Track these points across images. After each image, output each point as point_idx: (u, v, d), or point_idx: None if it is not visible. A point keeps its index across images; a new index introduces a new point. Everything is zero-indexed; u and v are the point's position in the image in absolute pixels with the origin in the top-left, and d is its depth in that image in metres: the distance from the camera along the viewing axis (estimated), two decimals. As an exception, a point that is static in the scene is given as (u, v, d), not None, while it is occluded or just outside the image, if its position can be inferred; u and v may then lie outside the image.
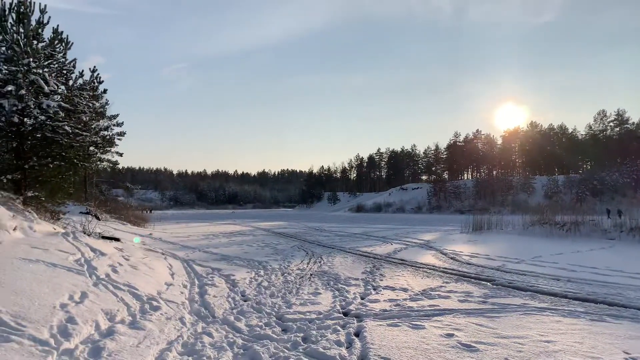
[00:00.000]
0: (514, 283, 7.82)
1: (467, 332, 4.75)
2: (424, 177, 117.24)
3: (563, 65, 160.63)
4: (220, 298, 6.55)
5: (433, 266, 10.13)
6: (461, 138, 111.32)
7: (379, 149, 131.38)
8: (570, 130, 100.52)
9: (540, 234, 18.30)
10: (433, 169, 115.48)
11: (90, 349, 3.80)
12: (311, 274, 8.90)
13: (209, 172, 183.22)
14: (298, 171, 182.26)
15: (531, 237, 17.50)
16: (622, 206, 25.54)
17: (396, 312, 5.67)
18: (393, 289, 7.32)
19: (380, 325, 5.05)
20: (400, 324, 5.10)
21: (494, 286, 7.64)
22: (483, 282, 8.02)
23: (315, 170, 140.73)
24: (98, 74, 15.22)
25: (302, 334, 4.74)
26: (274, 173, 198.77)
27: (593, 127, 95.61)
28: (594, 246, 14.17)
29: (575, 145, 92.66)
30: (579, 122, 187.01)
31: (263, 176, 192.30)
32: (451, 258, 11.63)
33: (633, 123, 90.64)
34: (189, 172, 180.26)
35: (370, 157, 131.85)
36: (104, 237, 10.67)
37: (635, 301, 6.30)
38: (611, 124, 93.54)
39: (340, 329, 4.92)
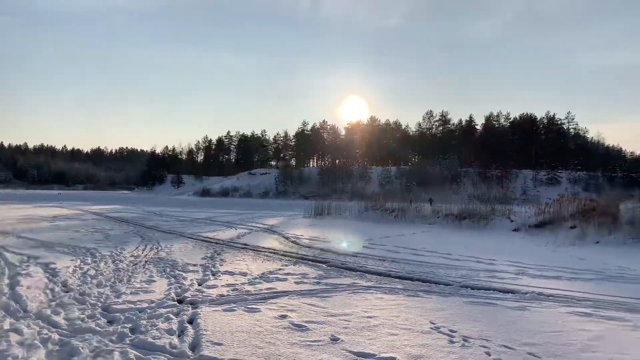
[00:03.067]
0: (346, 264, 8.38)
1: (300, 312, 4.95)
2: (272, 163, 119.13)
3: (401, 67, 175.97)
4: (35, 290, 5.82)
5: (274, 250, 10.35)
6: (309, 127, 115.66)
7: (229, 132, 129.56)
8: (403, 127, 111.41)
9: (372, 218, 19.93)
10: (282, 155, 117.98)
11: None
12: (146, 261, 8.40)
13: (30, 145, 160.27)
14: (139, 150, 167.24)
15: (365, 222, 18.96)
16: (437, 196, 28.97)
17: (233, 297, 5.66)
18: (232, 273, 7.29)
19: (216, 311, 4.99)
20: (236, 308, 5.09)
21: (328, 267, 8.10)
22: (319, 264, 8.44)
23: (158, 150, 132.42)
24: None
25: (130, 325, 4.44)
26: (111, 151, 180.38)
27: (422, 125, 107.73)
28: (416, 230, 15.90)
29: (407, 140, 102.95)
30: (411, 119, 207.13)
31: (97, 154, 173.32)
32: (292, 242, 12.02)
33: (453, 124, 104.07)
34: (5, 144, 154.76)
35: (220, 140, 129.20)
36: None
37: (444, 278, 7.22)
38: (436, 123, 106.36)
39: (173, 317, 4.73)
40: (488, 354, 3.74)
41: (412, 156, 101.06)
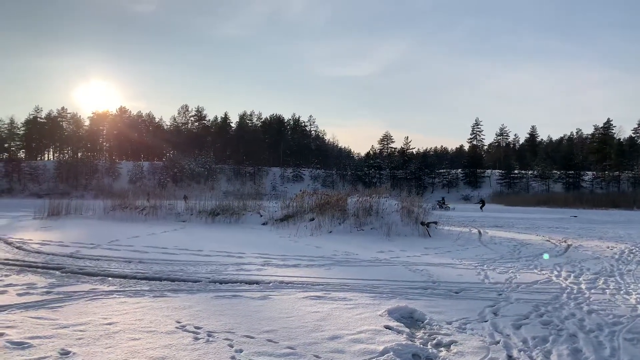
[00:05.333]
0: (85, 269, 7.56)
1: (21, 328, 4.21)
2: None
3: (154, 57, 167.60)
4: None
5: (-9, 258, 8.64)
6: (43, 114, 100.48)
7: None
8: (157, 120, 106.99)
9: (120, 218, 18.58)
10: (6, 145, 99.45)
11: None
12: None
13: None
14: None
15: (111, 222, 17.52)
16: (193, 192, 28.94)
17: None
18: None
19: None
20: None
21: (63, 274, 7.16)
22: (51, 271, 7.40)
23: None
24: None
25: None
26: None
27: (177, 120, 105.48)
28: (168, 228, 15.44)
29: (161, 134, 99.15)
30: (165, 113, 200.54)
31: None
32: (17, 247, 10.24)
33: (209, 120, 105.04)
34: None
35: None
36: None
37: (193, 275, 7.18)
38: (192, 118, 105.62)
39: None
40: (231, 345, 3.86)
41: (167, 151, 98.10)
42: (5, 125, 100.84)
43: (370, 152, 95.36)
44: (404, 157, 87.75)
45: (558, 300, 5.79)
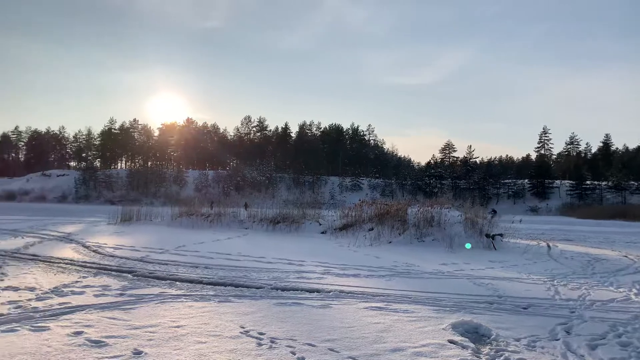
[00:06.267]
0: (155, 273, 7.93)
1: (98, 327, 4.49)
2: (72, 164, 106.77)
3: (220, 70, 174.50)
4: None
5: (71, 260, 9.26)
6: (117, 125, 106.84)
7: (17, 126, 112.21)
8: (221, 130, 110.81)
9: (186, 224, 19.33)
10: (84, 155, 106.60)
11: None
12: None
13: None
14: None
15: (178, 228, 18.29)
16: (255, 200, 29.68)
17: (15, 316, 4.87)
18: (16, 289, 6.28)
19: (-8, 333, 4.23)
20: (18, 328, 4.40)
21: (134, 277, 7.56)
22: (124, 274, 7.82)
23: None
24: None
25: None
26: None
27: (240, 130, 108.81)
28: (231, 235, 15.89)
29: (225, 144, 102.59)
30: (230, 124, 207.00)
31: None
32: (93, 251, 10.91)
33: (270, 130, 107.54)
34: None
35: (4, 136, 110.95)
36: None
37: (256, 281, 7.34)
38: (254, 128, 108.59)
39: None
40: (293, 353, 3.90)
41: (230, 160, 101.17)
42: (84, 136, 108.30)
43: (431, 161, 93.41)
44: (467, 167, 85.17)
45: (638, 320, 5.40)
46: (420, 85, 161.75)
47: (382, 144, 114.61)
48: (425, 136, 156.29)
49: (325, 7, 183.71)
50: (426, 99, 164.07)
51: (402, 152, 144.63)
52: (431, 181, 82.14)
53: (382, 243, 14.14)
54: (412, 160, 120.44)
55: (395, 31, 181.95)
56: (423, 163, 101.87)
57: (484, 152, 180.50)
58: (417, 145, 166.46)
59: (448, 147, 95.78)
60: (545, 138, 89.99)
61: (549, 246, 14.46)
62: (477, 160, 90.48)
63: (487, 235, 13.75)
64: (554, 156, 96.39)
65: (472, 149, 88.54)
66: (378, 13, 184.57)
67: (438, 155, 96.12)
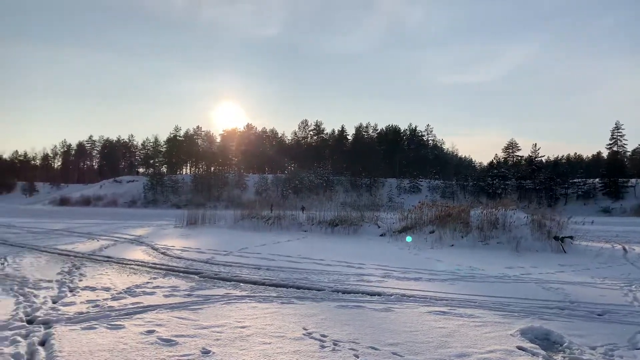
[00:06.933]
0: (220, 274, 8.18)
1: (168, 326, 4.69)
2: (141, 170, 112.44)
3: (278, 76, 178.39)
4: None
5: (142, 262, 9.74)
6: (182, 132, 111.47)
7: (91, 136, 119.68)
8: (280, 135, 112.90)
9: (248, 227, 19.81)
10: (151, 161, 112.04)
11: None
12: (-13, 279, 7.36)
13: None
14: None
15: (240, 231, 18.77)
16: (314, 203, 29.82)
17: (94, 314, 5.19)
18: (93, 289, 6.69)
19: (73, 330, 4.52)
20: (97, 326, 4.67)
21: (201, 279, 7.83)
22: (191, 275, 8.13)
23: (6, 156, 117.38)
24: None
25: (-36, 354, 3.84)
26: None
27: (297, 134, 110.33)
28: (291, 237, 16.12)
29: (283, 148, 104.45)
30: (287, 128, 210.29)
31: None
32: (162, 253, 11.43)
33: (327, 133, 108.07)
34: None
35: (80, 145, 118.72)
36: None
37: (317, 283, 7.40)
38: (311, 132, 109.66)
39: (22, 340, 4.18)
40: (356, 356, 3.89)
41: (288, 164, 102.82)
42: (151, 144, 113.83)
43: (494, 161, 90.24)
44: (532, 166, 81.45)
45: None
46: (482, 83, 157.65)
47: (441, 144, 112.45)
48: (486, 135, 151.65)
49: (381, 9, 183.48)
50: (488, 97, 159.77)
51: (462, 152, 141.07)
52: (494, 182, 79.19)
53: (443, 246, 13.84)
54: (473, 160, 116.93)
55: (453, 29, 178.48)
56: (485, 163, 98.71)
57: (550, 150, 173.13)
58: (478, 145, 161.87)
59: (512, 146, 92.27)
60: (618, 134, 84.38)
61: (624, 249, 13.56)
62: (543, 159, 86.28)
63: (556, 238, 13.10)
64: (628, 153, 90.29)
65: (537, 147, 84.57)
66: (434, 12, 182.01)
67: (501, 155, 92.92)
